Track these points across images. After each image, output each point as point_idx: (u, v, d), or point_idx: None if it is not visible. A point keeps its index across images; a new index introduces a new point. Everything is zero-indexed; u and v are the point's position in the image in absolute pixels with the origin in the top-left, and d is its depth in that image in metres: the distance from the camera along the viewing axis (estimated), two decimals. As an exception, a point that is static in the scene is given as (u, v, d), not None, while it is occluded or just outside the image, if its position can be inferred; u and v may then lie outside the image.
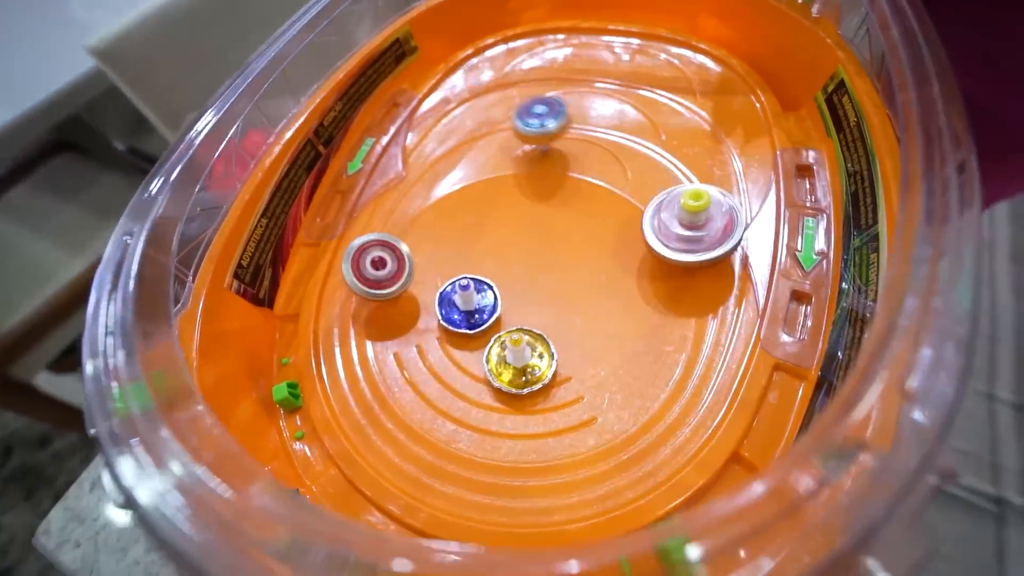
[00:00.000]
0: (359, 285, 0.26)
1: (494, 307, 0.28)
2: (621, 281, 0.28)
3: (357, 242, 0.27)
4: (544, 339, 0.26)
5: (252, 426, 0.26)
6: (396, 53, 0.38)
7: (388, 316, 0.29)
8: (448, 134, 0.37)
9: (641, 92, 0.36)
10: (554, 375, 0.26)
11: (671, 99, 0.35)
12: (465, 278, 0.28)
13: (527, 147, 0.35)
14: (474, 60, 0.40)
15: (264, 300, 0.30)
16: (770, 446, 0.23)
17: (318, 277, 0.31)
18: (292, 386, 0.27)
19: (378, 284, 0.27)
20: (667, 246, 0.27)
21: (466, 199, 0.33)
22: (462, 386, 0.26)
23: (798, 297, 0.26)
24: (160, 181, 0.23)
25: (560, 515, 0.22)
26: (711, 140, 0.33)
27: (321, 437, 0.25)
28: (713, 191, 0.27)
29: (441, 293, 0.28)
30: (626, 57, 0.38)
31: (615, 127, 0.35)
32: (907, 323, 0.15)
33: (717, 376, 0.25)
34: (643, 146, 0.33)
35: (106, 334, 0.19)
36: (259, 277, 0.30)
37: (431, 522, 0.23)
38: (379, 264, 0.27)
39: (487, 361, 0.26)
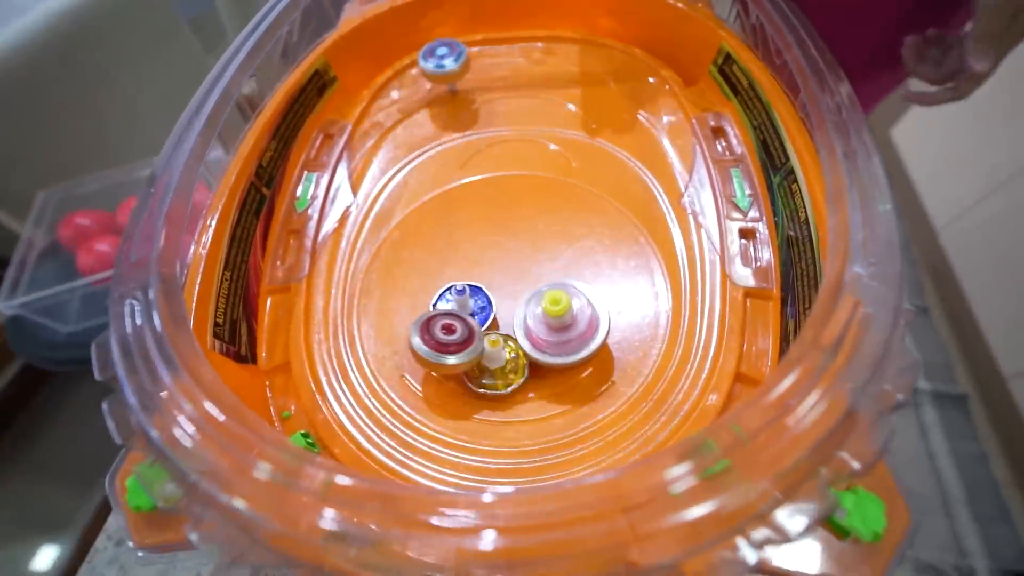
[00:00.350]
0: (427, 350, 0.25)
1: (488, 307, 0.30)
2: (590, 256, 0.32)
3: (424, 315, 0.27)
4: (510, 336, 0.28)
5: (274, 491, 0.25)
6: (317, 85, 0.39)
7: (385, 344, 0.30)
8: (390, 156, 0.38)
9: (563, 89, 0.40)
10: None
11: (591, 91, 0.40)
12: (461, 284, 0.30)
13: (471, 152, 0.37)
14: (396, 81, 0.42)
15: (247, 356, 0.29)
16: (760, 360, 0.27)
17: (298, 321, 0.30)
18: (306, 435, 0.27)
19: (447, 348, 0.26)
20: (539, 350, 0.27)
21: (427, 214, 0.35)
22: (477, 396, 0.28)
23: (745, 234, 0.31)
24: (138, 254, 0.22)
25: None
26: (634, 120, 0.38)
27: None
28: (572, 294, 0.27)
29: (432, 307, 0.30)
30: (541, 60, 0.42)
31: (549, 124, 0.38)
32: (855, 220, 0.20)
33: (702, 317, 0.29)
34: (578, 136, 0.38)
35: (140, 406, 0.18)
36: (236, 333, 0.29)
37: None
38: (449, 330, 0.26)
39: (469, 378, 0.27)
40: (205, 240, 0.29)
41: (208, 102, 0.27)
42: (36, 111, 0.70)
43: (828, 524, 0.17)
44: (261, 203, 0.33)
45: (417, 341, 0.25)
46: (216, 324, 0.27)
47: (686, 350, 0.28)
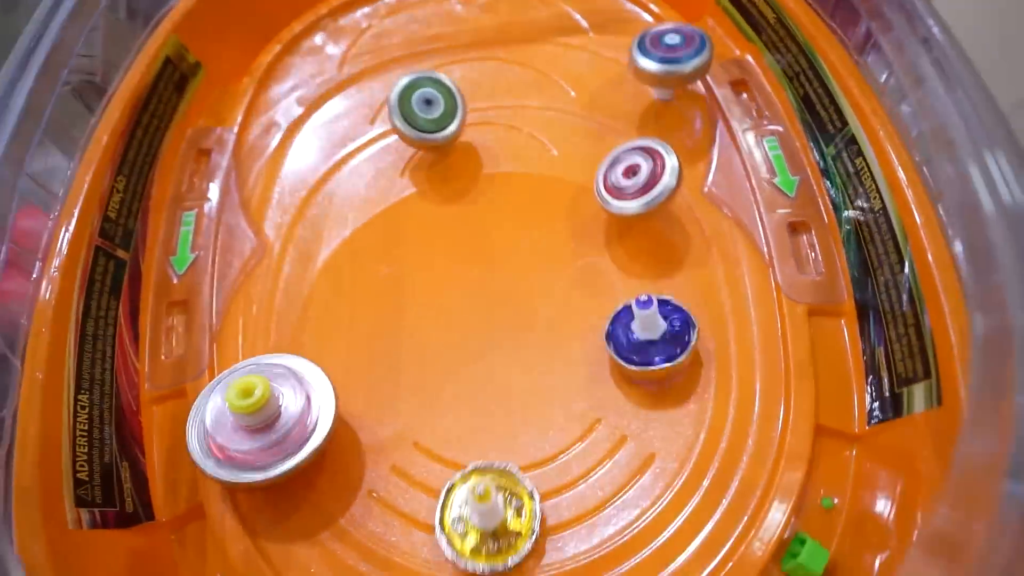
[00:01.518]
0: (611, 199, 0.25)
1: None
2: (598, 281, 0.27)
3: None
4: (513, 476, 0.22)
5: None
6: (173, 79, 0.30)
7: (336, 444, 0.24)
8: (297, 172, 0.31)
9: (524, 46, 0.34)
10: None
11: (561, 44, 0.34)
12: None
13: (417, 152, 0.31)
14: (289, 59, 0.34)
15: (136, 512, 0.22)
16: (844, 405, 0.24)
17: (206, 439, 0.24)
18: (245, 613, 0.21)
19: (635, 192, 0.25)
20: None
21: (365, 247, 0.29)
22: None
23: (795, 228, 0.27)
24: None
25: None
26: (624, 80, 0.32)
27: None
28: None
29: None
30: (490, 6, 0.35)
31: (511, 97, 0.32)
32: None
33: (756, 351, 0.25)
34: (555, 111, 0.32)
35: None
36: (113, 484, 0.22)
37: None
38: (633, 171, 0.25)
39: (446, 534, 0.21)
40: (38, 356, 0.21)
41: (23, 82, 0.19)
42: None
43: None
44: (119, 274, 0.26)
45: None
46: (78, 482, 0.21)
47: (743, 403, 0.24)
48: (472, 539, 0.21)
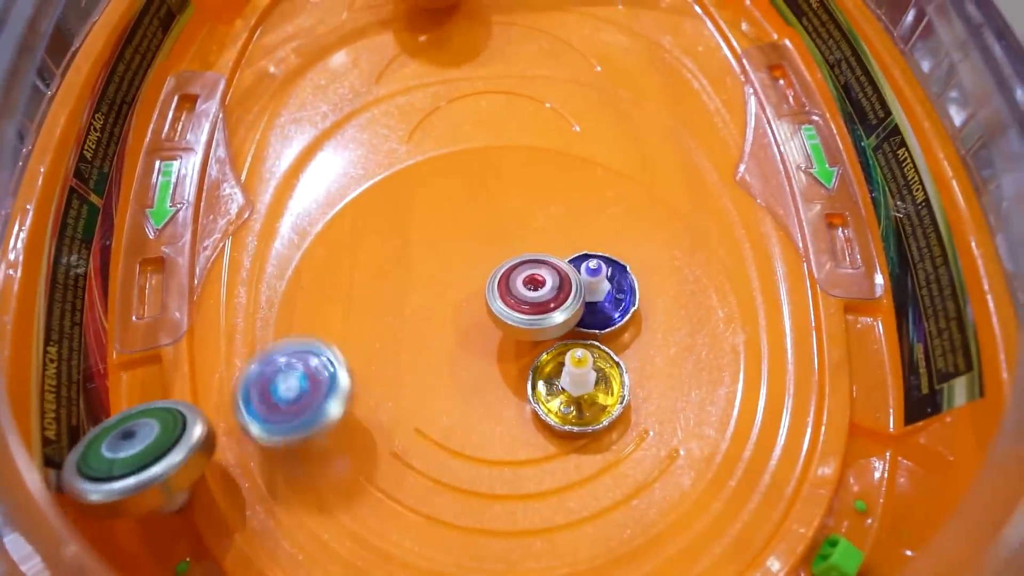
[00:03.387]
0: (514, 315, 0.25)
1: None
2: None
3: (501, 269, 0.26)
4: (615, 362, 0.26)
5: None
6: (158, 14, 0.32)
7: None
8: (292, 127, 0.33)
9: (550, 13, 0.36)
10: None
11: (590, 15, 0.37)
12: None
13: (425, 116, 0.33)
14: (286, 5, 0.36)
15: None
16: (880, 404, 0.26)
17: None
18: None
19: (540, 308, 0.25)
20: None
21: (364, 215, 0.31)
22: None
23: (833, 221, 0.30)
24: None
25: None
26: (657, 58, 0.35)
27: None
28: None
29: None
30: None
31: (533, 67, 0.35)
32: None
33: (789, 345, 0.27)
34: (579, 84, 0.34)
35: None
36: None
37: None
38: (536, 283, 0.26)
39: (532, 388, 0.26)
40: (7, 299, 0.22)
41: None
42: None
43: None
44: (92, 221, 0.27)
45: (501, 307, 0.25)
46: (47, 441, 0.22)
47: (774, 399, 0.26)
48: (560, 404, 0.25)
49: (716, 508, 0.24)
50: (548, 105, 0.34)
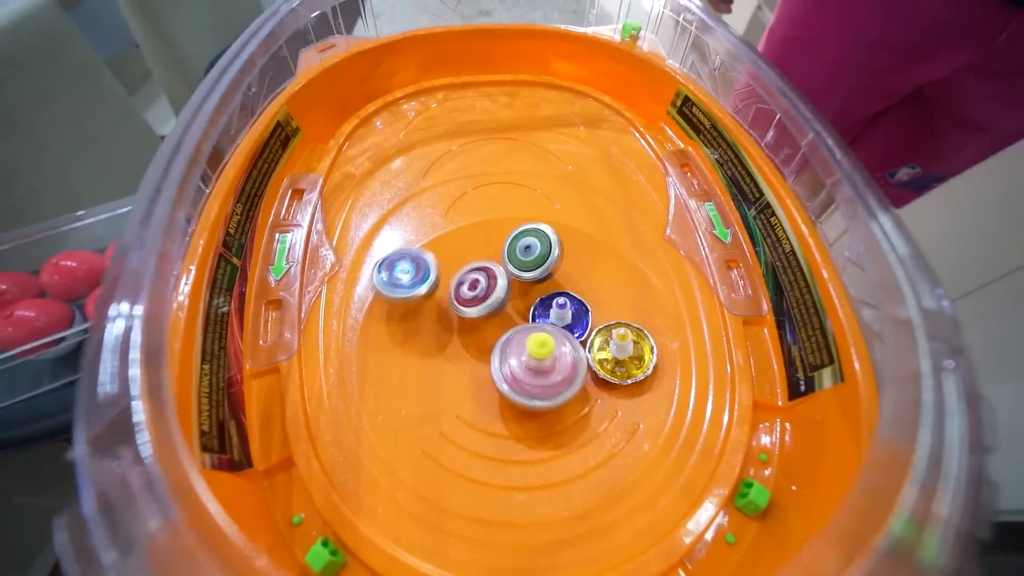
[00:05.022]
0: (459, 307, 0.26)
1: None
2: (588, 296, 0.29)
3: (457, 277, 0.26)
4: (643, 332, 0.27)
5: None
6: (280, 137, 0.32)
7: (397, 416, 0.25)
8: (367, 208, 0.33)
9: (535, 132, 0.37)
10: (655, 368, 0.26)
11: (561, 132, 0.37)
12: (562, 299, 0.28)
13: (456, 198, 0.33)
14: (363, 129, 0.36)
15: (241, 461, 0.22)
16: (772, 385, 0.26)
17: (294, 407, 0.24)
18: (326, 544, 0.21)
19: (475, 301, 0.26)
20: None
21: None
22: (520, 449, 0.24)
23: (729, 264, 0.30)
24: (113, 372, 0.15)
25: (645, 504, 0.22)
26: (607, 159, 0.36)
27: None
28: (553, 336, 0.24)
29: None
30: (508, 104, 0.39)
31: (526, 166, 0.35)
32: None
33: (708, 349, 0.27)
34: (558, 177, 0.35)
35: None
36: (225, 436, 0.22)
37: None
38: (473, 285, 0.26)
39: (590, 350, 0.26)
40: (177, 331, 0.22)
41: (175, 165, 0.21)
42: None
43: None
44: (233, 276, 0.27)
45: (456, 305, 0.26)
46: (203, 433, 0.21)
47: (702, 386, 0.26)
48: (605, 357, 0.26)
49: (668, 465, 0.24)
50: (538, 191, 0.34)
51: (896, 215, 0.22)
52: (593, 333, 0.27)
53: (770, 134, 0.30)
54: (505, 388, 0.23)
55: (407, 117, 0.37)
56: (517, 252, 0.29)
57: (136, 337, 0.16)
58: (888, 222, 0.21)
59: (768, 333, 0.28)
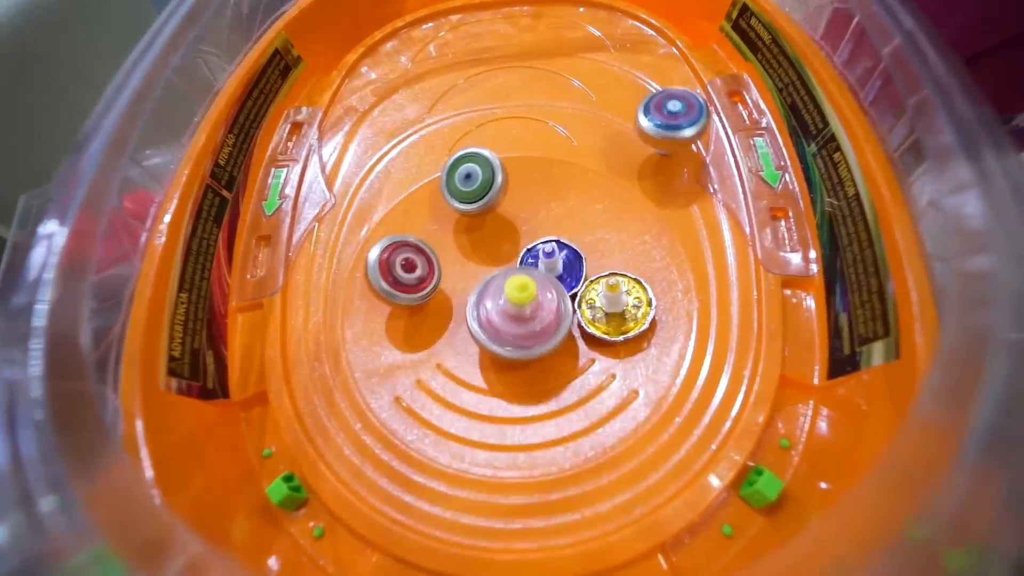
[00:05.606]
0: (390, 290, 0.22)
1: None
2: (601, 247, 0.26)
3: (377, 248, 0.23)
4: (640, 283, 0.23)
5: (256, 545, 0.19)
6: (279, 67, 0.31)
7: (376, 361, 0.23)
8: (368, 144, 0.31)
9: (557, 59, 0.33)
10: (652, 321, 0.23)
11: (589, 59, 0.33)
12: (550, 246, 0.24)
13: (462, 134, 0.30)
14: (369, 59, 0.34)
15: (215, 390, 0.23)
16: (807, 362, 0.22)
17: (274, 343, 0.24)
18: (289, 479, 0.21)
19: (412, 288, 0.23)
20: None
21: (416, 209, 0.28)
22: (487, 407, 0.22)
23: (776, 214, 0.25)
24: (29, 286, 0.15)
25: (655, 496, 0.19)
26: (640, 90, 0.31)
27: (349, 524, 0.20)
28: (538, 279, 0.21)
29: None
30: (530, 27, 0.35)
31: (544, 98, 0.31)
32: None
33: (735, 313, 0.23)
34: (578, 111, 0.31)
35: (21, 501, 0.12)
36: (199, 364, 0.22)
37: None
38: (410, 267, 0.23)
39: (580, 303, 0.23)
40: (151, 257, 0.22)
41: (127, 87, 0.20)
42: (6, 113, 0.61)
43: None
44: (222, 208, 0.26)
45: (379, 283, 0.22)
46: (172, 358, 0.21)
47: (719, 353, 0.22)
48: (595, 316, 0.23)
49: (664, 439, 0.21)
50: (551, 125, 0.30)
51: (1016, 156, 0.16)
52: (586, 284, 0.23)
53: (846, 47, 0.24)
54: (476, 328, 0.21)
55: (416, 45, 0.35)
56: (456, 181, 0.25)
57: (59, 242, 0.15)
58: (996, 163, 0.16)
59: (814, 298, 0.23)
